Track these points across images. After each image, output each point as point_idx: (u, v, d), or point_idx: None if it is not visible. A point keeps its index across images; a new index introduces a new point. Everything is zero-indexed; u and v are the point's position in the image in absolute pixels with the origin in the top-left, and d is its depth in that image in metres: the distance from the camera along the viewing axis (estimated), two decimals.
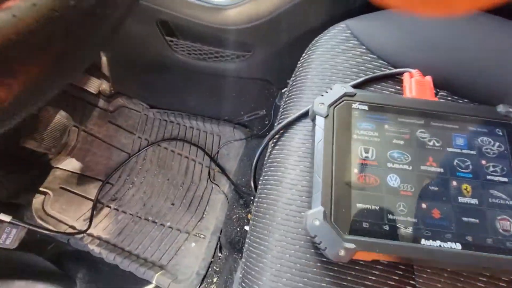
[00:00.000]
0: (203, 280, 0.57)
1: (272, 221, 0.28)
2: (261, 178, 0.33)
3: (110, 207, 0.69)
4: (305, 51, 0.37)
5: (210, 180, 0.67)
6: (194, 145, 0.70)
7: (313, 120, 0.28)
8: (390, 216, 0.24)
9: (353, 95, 0.28)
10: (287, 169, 0.30)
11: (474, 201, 0.25)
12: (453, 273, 0.25)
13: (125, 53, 0.64)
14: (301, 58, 0.37)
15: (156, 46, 0.56)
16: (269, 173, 0.31)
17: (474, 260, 0.23)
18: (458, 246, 0.24)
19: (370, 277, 0.25)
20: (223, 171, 0.66)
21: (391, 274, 0.25)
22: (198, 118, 0.71)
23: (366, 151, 0.27)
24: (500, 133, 0.28)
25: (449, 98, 0.32)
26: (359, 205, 0.25)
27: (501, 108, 0.28)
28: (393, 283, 0.25)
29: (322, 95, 0.28)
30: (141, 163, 0.72)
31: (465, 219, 0.25)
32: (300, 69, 0.36)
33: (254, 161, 0.34)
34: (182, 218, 0.65)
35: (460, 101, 0.32)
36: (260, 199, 0.31)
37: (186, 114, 0.72)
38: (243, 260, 0.30)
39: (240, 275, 0.29)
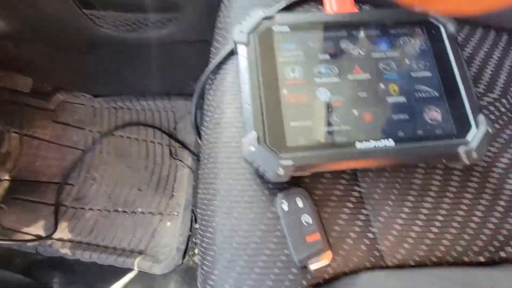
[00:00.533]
0: (184, 254, 0.57)
1: (215, 163, 0.27)
2: (202, 124, 0.31)
3: (75, 207, 0.65)
4: None
5: (173, 157, 0.65)
6: (149, 127, 0.67)
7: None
8: (324, 128, 0.24)
9: (272, 18, 0.27)
10: (222, 109, 0.29)
11: (402, 99, 0.26)
12: (393, 172, 0.26)
13: (48, 41, 0.58)
14: None
15: (77, 23, 0.51)
16: (206, 118, 0.30)
17: (408, 152, 0.24)
18: (391, 143, 0.24)
19: (316, 191, 0.25)
20: (183, 145, 0.64)
21: (336, 184, 0.26)
22: (148, 98, 0.67)
23: (293, 71, 0.26)
24: (420, 32, 0.28)
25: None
26: (293, 123, 0.24)
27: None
28: (339, 193, 0.26)
29: (241, 23, 0.27)
30: (99, 156, 0.68)
31: (395, 116, 0.25)
32: (222, 8, 0.34)
33: (192, 109, 0.32)
34: (152, 201, 0.63)
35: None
36: (204, 146, 0.30)
37: (134, 97, 0.68)
38: (197, 209, 0.29)
39: (197, 226, 0.29)
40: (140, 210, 0.63)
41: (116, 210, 0.64)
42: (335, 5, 0.29)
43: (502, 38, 0.32)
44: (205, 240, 0.27)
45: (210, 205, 0.27)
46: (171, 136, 0.65)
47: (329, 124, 0.24)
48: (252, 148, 0.23)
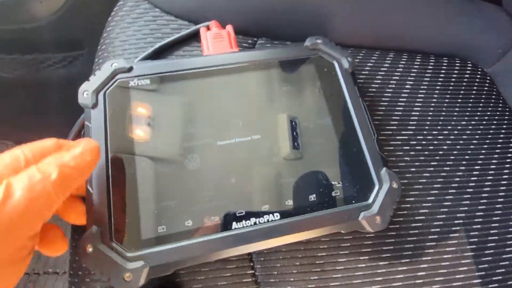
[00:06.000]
0: None
1: None
2: None
3: None
4: (104, 29, 0.30)
5: None
6: None
7: None
8: (192, 207, 0.19)
9: (128, 70, 0.22)
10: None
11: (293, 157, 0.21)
12: (292, 245, 0.22)
13: None
14: (101, 38, 0.30)
15: None
16: None
17: (298, 227, 0.20)
18: (276, 217, 0.19)
19: (194, 286, 0.20)
20: None
21: (223, 270, 0.21)
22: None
23: None
24: (311, 71, 0.24)
25: (268, 45, 0.28)
26: (149, 206, 0.19)
27: (307, 42, 0.24)
28: (226, 282, 0.21)
29: (88, 80, 0.22)
30: None
31: (282, 182, 0.21)
32: (99, 52, 0.29)
33: None
34: None
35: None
36: None
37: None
38: None
39: None
40: None
41: None
42: (212, 46, 0.24)
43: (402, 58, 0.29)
44: None
45: None
46: None
47: (197, 201, 0.19)
48: (90, 249, 0.18)
